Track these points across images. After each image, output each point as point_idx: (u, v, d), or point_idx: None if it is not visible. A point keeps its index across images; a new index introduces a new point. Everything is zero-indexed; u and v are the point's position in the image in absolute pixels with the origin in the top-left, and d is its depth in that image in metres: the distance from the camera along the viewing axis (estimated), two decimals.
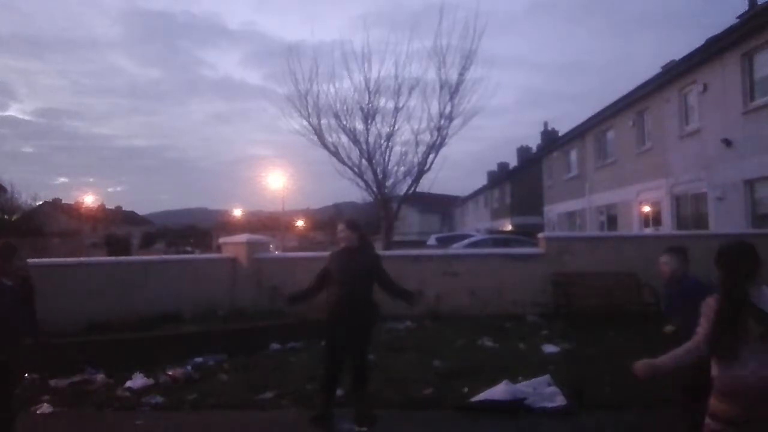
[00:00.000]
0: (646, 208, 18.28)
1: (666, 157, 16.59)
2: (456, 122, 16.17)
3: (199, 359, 6.95)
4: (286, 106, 16.51)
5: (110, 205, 74.70)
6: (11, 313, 3.94)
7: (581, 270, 9.47)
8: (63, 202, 61.04)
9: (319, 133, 16.48)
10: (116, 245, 38.21)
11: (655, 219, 17.62)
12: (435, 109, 16.13)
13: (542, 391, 5.22)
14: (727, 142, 13.29)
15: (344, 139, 16.64)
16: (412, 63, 16.74)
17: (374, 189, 16.93)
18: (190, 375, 6.41)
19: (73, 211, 53.86)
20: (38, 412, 5.39)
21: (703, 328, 2.73)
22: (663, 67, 17.92)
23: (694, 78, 14.86)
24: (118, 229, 55.85)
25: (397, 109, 16.23)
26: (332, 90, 16.21)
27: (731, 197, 13.29)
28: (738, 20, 13.47)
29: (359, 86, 16.20)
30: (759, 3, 14.09)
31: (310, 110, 16.23)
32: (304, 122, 16.39)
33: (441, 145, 16.36)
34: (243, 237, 10.75)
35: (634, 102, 18.41)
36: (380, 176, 16.67)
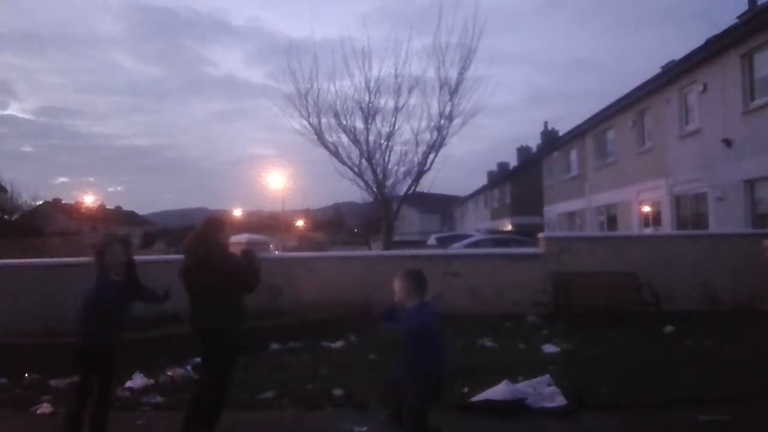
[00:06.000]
0: (646, 208, 18.29)
1: (666, 157, 16.59)
2: (456, 122, 16.20)
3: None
4: (287, 105, 16.55)
5: (110, 205, 74.84)
6: (122, 306, 4.27)
7: (581, 270, 9.46)
8: (63, 202, 61.06)
9: (319, 132, 16.50)
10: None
11: (655, 219, 17.63)
12: (435, 108, 16.16)
13: (542, 391, 5.21)
14: (727, 142, 13.29)
15: (344, 138, 16.68)
16: (412, 62, 16.79)
17: (374, 189, 16.94)
18: (190, 375, 6.40)
19: (73, 211, 53.85)
20: (38, 412, 5.39)
21: None
22: (663, 67, 17.93)
23: (694, 78, 14.87)
24: (118, 229, 55.86)
25: (397, 109, 16.26)
26: (332, 89, 16.25)
27: (731, 197, 13.29)
28: (738, 20, 13.47)
29: (359, 85, 16.24)
30: (759, 3, 14.08)
31: (310, 110, 16.26)
32: (304, 122, 16.42)
33: (441, 144, 16.39)
34: (243, 237, 10.74)
35: (634, 102, 18.42)
36: (380, 176, 16.67)
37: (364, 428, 4.72)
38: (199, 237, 4.58)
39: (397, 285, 3.81)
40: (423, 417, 3.67)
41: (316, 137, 16.52)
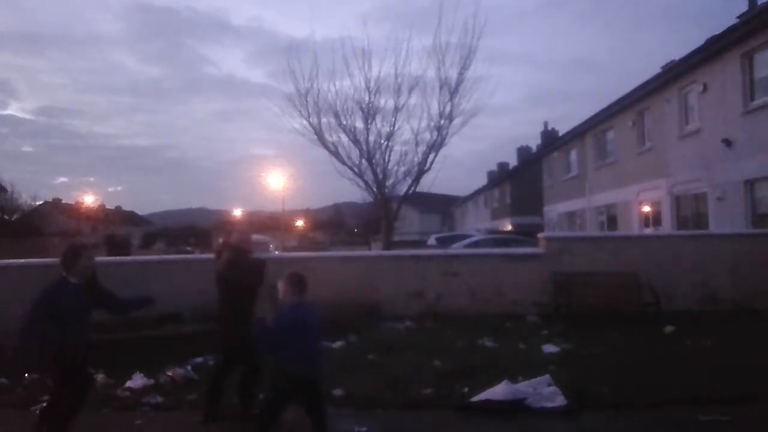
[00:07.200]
0: (646, 208, 18.29)
1: (666, 157, 16.59)
2: (456, 122, 16.23)
3: (199, 359, 6.94)
4: (287, 105, 16.58)
5: (110, 205, 74.92)
6: (84, 311, 4.18)
7: (581, 270, 9.47)
8: (63, 202, 61.04)
9: (319, 132, 16.52)
10: (116, 245, 38.21)
11: (655, 219, 17.63)
12: (435, 108, 16.18)
13: (542, 391, 5.21)
14: (727, 142, 13.29)
15: (344, 138, 16.71)
16: (412, 62, 16.82)
17: (374, 189, 16.96)
18: (190, 375, 6.41)
19: (73, 211, 53.83)
20: (38, 412, 5.38)
21: None
22: (663, 67, 17.92)
23: (694, 78, 14.87)
24: (118, 229, 55.87)
25: (397, 109, 16.28)
26: (332, 89, 16.27)
27: (731, 197, 13.29)
28: (738, 20, 13.47)
29: (359, 85, 16.25)
30: (759, 3, 14.09)
31: (310, 110, 16.29)
32: (304, 122, 16.44)
33: (441, 144, 16.42)
34: None
35: (634, 102, 18.42)
36: (380, 176, 16.69)
37: (364, 428, 4.72)
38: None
39: (281, 285, 4.02)
40: (273, 409, 4.05)
41: (316, 137, 16.56)
